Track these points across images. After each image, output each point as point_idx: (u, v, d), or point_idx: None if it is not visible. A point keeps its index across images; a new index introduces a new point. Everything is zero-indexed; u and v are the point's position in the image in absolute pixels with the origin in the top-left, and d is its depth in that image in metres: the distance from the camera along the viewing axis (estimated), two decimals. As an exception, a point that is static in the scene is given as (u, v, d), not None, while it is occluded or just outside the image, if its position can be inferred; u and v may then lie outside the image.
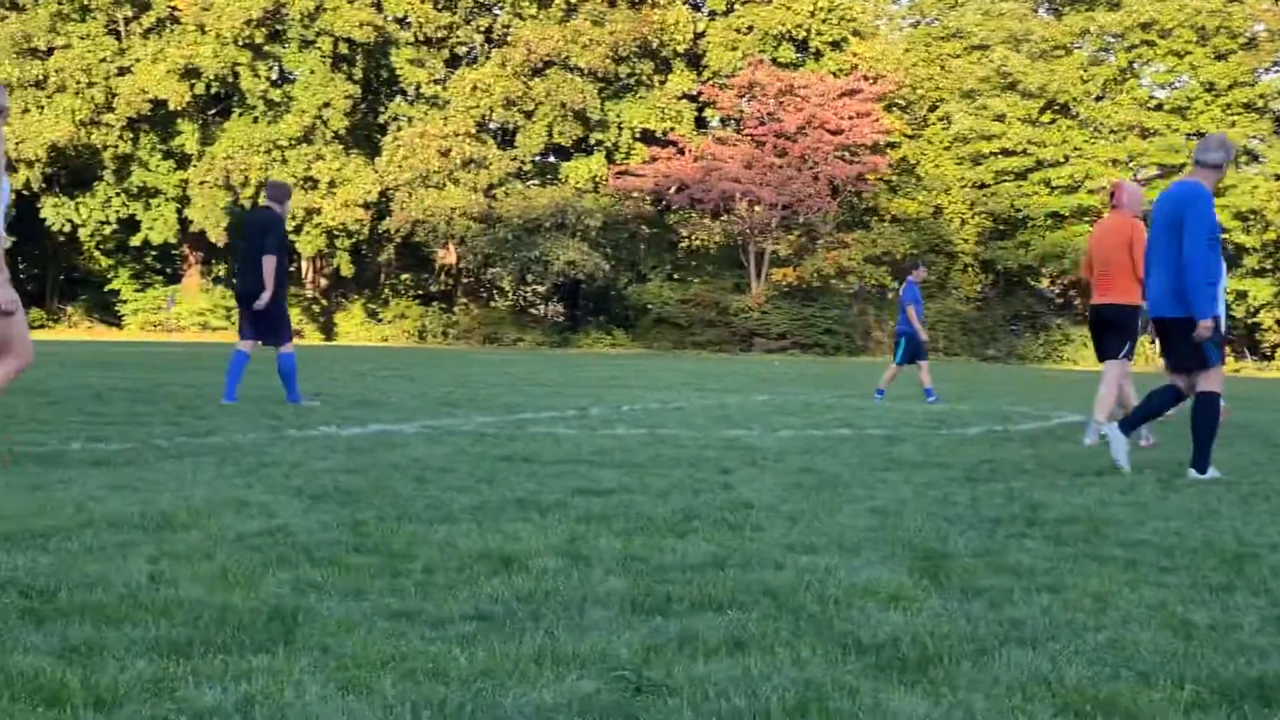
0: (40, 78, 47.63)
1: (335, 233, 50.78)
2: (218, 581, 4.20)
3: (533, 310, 58.99)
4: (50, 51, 48.08)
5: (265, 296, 12.47)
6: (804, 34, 51.74)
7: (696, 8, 53.57)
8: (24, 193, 47.39)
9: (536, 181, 53.03)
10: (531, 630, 3.67)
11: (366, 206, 50.00)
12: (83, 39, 48.36)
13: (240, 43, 47.57)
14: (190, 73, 47.85)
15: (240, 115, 50.77)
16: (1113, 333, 10.45)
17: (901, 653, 3.52)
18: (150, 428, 9.77)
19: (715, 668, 3.34)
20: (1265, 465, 9.24)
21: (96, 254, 54.01)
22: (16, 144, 45.66)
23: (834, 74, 50.72)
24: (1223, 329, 8.70)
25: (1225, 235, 42.28)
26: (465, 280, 56.44)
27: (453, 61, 52.91)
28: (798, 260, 50.37)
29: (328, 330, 53.55)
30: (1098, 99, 51.32)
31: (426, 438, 9.57)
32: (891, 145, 51.51)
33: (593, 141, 52.08)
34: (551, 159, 54.78)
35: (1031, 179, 50.90)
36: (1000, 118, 50.73)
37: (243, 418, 10.85)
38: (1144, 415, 8.56)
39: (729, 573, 4.57)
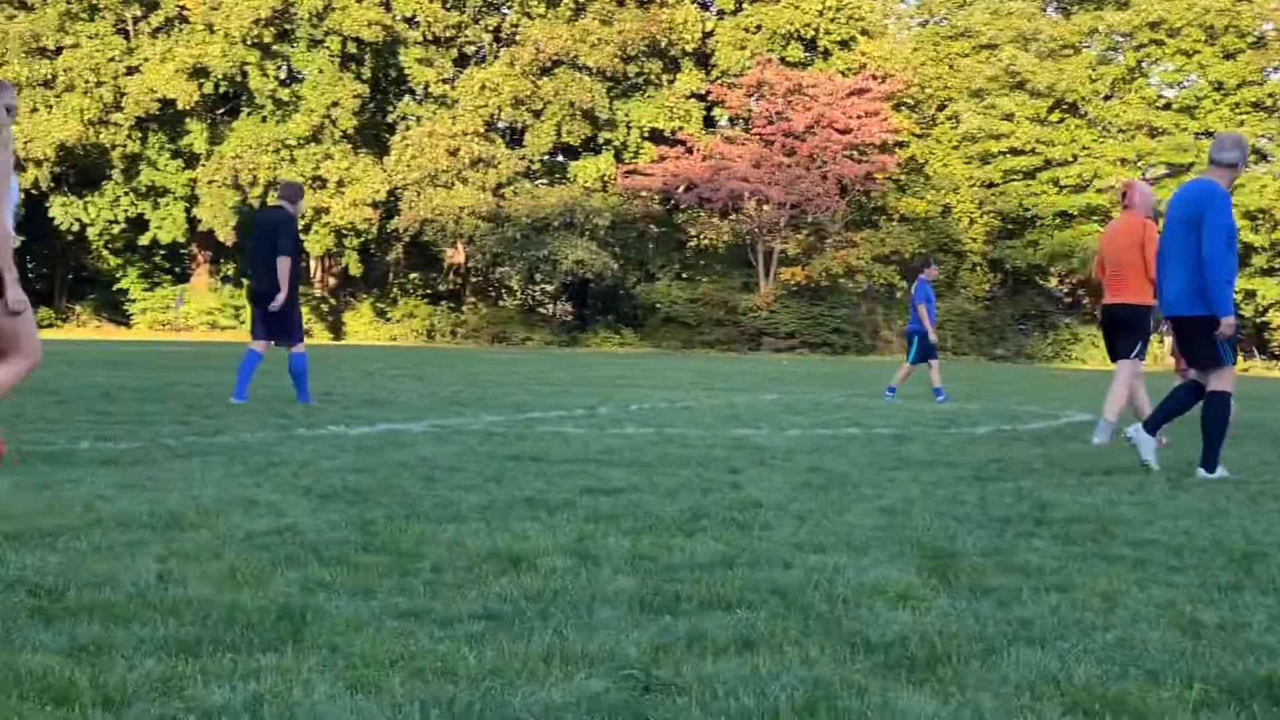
0: (49, 77, 47.69)
1: (344, 232, 50.83)
2: (226, 580, 4.20)
3: (541, 309, 58.96)
4: (59, 51, 48.14)
5: (281, 298, 12.44)
6: (812, 33, 51.66)
7: (705, 7, 53.49)
8: (32, 192, 47.55)
9: (545, 181, 53.01)
10: (540, 629, 3.67)
11: (375, 206, 49.99)
12: (91, 38, 48.43)
13: (249, 42, 47.62)
14: (199, 72, 47.90)
15: (249, 114, 50.82)
16: (1125, 332, 10.46)
17: (910, 652, 3.52)
18: (159, 427, 9.78)
19: (724, 667, 3.33)
20: (1274, 464, 9.23)
21: (105, 253, 54.05)
22: (25, 143, 45.66)
23: (842, 73, 50.66)
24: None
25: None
26: (474, 279, 56.45)
27: (461, 61, 52.89)
28: (806, 259, 50.30)
29: (336, 329, 53.57)
30: (1106, 98, 51.26)
31: (435, 437, 9.58)
32: (900, 144, 51.43)
33: (601, 141, 52.02)
34: (560, 158, 54.78)
35: (1040, 178, 50.83)
36: (1009, 117, 50.65)
37: (251, 417, 10.87)
38: (1167, 414, 8.54)
39: (737, 572, 4.57)
